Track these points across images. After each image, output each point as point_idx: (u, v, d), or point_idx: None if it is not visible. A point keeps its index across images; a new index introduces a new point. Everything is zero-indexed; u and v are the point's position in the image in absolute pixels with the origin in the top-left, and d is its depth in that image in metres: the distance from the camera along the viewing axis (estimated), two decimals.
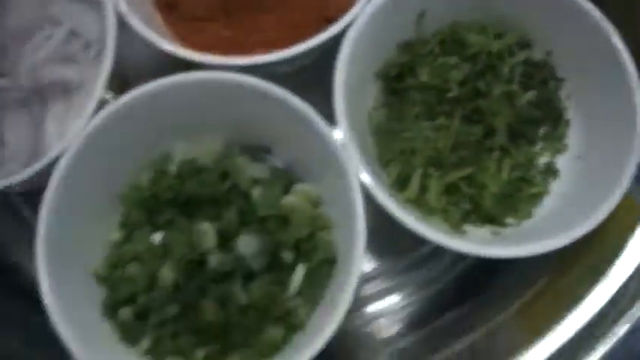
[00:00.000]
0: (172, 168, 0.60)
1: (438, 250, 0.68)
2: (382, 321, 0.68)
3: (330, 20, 0.62)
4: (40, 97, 0.62)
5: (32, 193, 0.62)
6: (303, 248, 0.56)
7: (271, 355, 0.55)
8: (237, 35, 0.64)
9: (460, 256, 0.67)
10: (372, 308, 0.68)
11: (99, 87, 0.58)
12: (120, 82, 0.62)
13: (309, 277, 0.56)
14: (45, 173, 0.57)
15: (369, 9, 0.58)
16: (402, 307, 0.68)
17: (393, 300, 0.68)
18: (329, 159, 0.55)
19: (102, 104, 0.58)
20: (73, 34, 0.64)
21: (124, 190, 0.60)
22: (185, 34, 0.65)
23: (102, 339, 0.56)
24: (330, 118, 0.56)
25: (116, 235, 0.59)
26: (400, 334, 0.67)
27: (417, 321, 0.67)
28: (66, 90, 0.62)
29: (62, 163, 0.55)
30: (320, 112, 0.56)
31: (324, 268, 0.56)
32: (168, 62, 0.61)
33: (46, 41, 0.63)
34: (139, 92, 0.57)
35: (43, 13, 0.64)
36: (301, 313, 0.56)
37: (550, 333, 0.58)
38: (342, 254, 0.56)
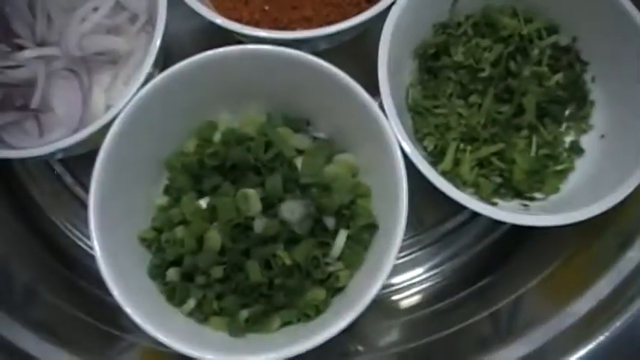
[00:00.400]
0: (217, 136, 0.62)
1: (463, 226, 0.71)
2: (406, 291, 0.70)
3: (370, 0, 0.64)
4: (87, 66, 0.64)
5: (72, 160, 0.64)
6: (345, 215, 0.59)
7: (313, 317, 0.57)
8: (277, 11, 0.66)
9: (484, 232, 0.71)
10: (396, 279, 0.71)
11: (149, 59, 0.60)
12: (162, 55, 0.64)
13: (350, 242, 0.58)
14: (90, 141, 0.59)
15: None
16: (426, 279, 0.71)
17: (416, 272, 0.71)
18: (371, 129, 0.58)
19: (148, 77, 0.60)
20: (119, 6, 0.65)
21: (170, 156, 0.62)
22: (226, 8, 0.67)
23: (150, 300, 0.58)
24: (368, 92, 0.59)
25: (162, 199, 0.61)
26: (422, 305, 0.70)
27: (440, 293, 0.70)
28: (112, 60, 0.64)
29: (112, 130, 0.57)
30: None
31: (364, 234, 0.59)
32: (210, 35, 0.63)
33: (92, 13, 0.65)
34: (186, 64, 0.59)
35: None
36: (342, 276, 0.58)
37: (573, 303, 0.60)
38: (383, 221, 0.58)
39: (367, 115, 0.58)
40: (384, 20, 0.61)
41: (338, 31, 0.60)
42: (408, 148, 0.57)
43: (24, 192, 0.73)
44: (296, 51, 0.58)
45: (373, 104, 0.57)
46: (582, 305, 0.58)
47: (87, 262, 0.70)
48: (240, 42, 0.62)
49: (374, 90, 0.60)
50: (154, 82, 0.58)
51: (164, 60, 0.64)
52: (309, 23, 0.65)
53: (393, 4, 0.61)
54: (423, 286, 0.70)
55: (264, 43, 0.60)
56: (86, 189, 0.70)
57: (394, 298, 0.69)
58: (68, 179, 0.73)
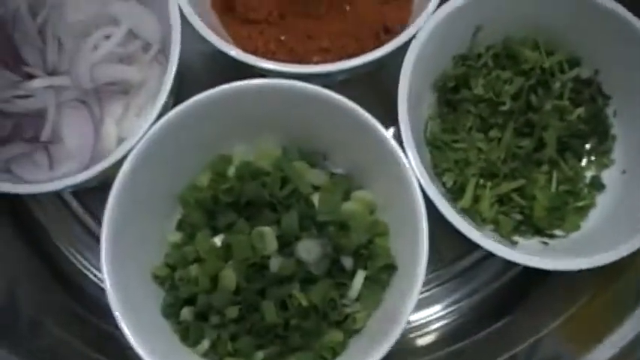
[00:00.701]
0: (231, 170, 0.61)
1: (483, 261, 0.69)
2: (422, 329, 0.69)
3: (388, 31, 0.63)
4: (98, 96, 0.62)
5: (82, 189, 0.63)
6: (363, 254, 0.58)
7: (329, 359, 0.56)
8: (293, 42, 0.64)
9: (503, 269, 0.69)
10: (413, 317, 0.69)
11: (163, 92, 0.58)
12: (175, 82, 0.62)
13: (368, 282, 0.57)
14: (102, 175, 0.58)
15: (430, 25, 0.59)
16: (444, 316, 0.69)
17: (434, 309, 0.70)
18: (389, 165, 0.57)
19: (162, 108, 0.59)
20: (132, 34, 0.64)
21: (183, 190, 0.61)
22: (241, 37, 0.65)
23: (163, 339, 0.56)
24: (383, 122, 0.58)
25: (176, 236, 0.60)
26: (439, 344, 0.68)
27: (458, 331, 0.68)
28: (124, 90, 0.63)
29: (125, 167, 0.56)
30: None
31: (383, 274, 0.57)
32: (223, 61, 0.62)
33: (105, 40, 0.63)
34: (199, 98, 0.57)
35: (103, 12, 0.64)
36: (360, 318, 0.57)
37: (593, 349, 0.58)
38: (402, 260, 0.57)
39: (385, 152, 0.57)
40: (401, 51, 0.60)
41: (355, 66, 0.58)
42: (427, 185, 0.56)
43: (32, 219, 0.71)
44: (312, 86, 0.57)
45: (391, 140, 0.56)
46: (604, 352, 0.57)
47: (94, 293, 0.68)
48: (254, 71, 0.61)
49: (390, 118, 0.60)
50: (167, 118, 0.57)
51: (177, 88, 0.62)
52: (326, 54, 0.63)
53: (412, 37, 0.59)
54: (441, 323, 0.68)
55: (279, 75, 0.59)
56: (95, 217, 0.70)
57: (411, 336, 0.68)
58: (77, 208, 0.71)
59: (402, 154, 0.56)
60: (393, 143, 0.56)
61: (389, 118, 0.68)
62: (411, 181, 0.55)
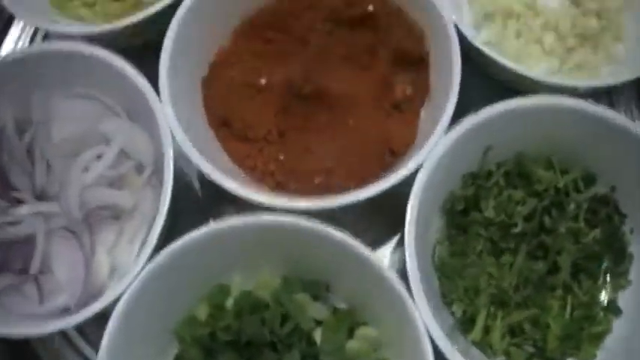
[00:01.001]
0: (230, 302, 0.58)
1: None
2: None
3: (394, 152, 0.60)
4: (88, 223, 0.59)
5: None
6: None
7: None
8: (293, 162, 0.61)
9: None
10: None
11: (159, 222, 0.55)
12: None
13: None
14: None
15: (438, 151, 0.56)
16: None
17: None
18: (393, 303, 0.54)
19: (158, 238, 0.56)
20: (123, 154, 0.61)
21: (180, 325, 0.58)
22: (239, 155, 0.62)
23: None
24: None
25: None
26: None
27: None
28: (116, 215, 0.60)
29: (119, 308, 0.53)
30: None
31: None
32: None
33: (95, 161, 0.60)
34: (198, 234, 0.55)
35: (92, 129, 0.61)
36: None
37: None
38: None
39: (389, 290, 0.54)
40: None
41: (362, 200, 0.55)
42: (431, 325, 0.52)
43: (27, 348, 0.67)
44: (310, 223, 0.54)
45: (396, 281, 0.53)
46: None
47: None
48: None
49: (395, 232, 0.62)
50: (160, 258, 0.54)
51: (172, 208, 0.59)
52: (327, 175, 0.60)
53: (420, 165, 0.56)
54: None
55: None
56: (90, 342, 0.67)
57: None
58: (73, 334, 0.67)
59: (407, 295, 0.53)
60: (398, 284, 0.53)
61: (394, 233, 0.65)
62: (417, 321, 0.52)
